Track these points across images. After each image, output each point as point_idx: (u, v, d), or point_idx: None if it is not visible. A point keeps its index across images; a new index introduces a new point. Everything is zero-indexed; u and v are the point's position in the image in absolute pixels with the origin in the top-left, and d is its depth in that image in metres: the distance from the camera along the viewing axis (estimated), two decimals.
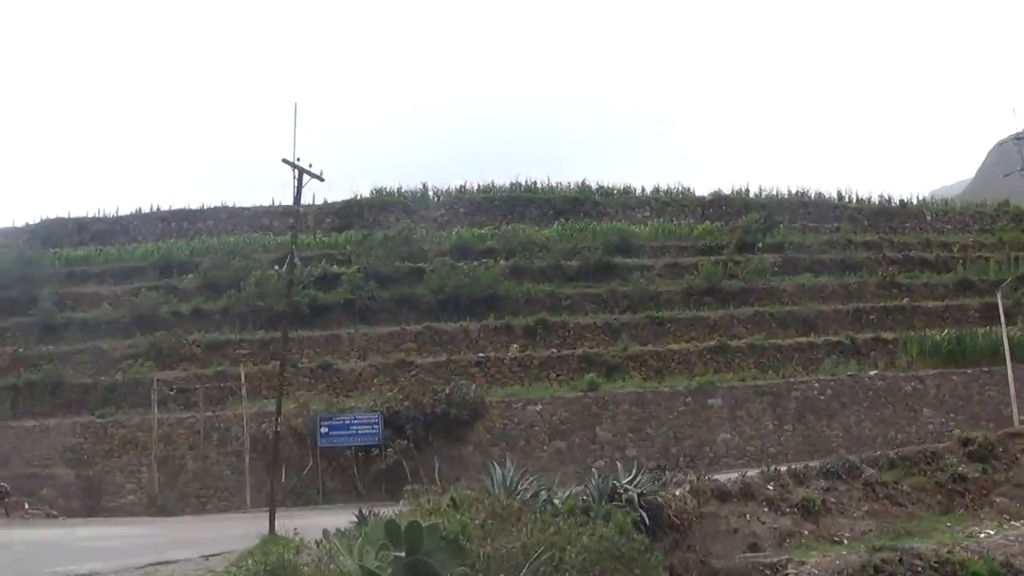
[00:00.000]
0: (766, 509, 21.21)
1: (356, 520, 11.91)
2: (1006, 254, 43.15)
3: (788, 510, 20.18)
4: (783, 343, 33.79)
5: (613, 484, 16.09)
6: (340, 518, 17.65)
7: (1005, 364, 31.91)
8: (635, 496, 16.03)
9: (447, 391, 26.77)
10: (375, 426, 25.84)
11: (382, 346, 30.47)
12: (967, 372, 32.78)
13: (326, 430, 25.26)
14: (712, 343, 32.83)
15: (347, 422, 25.79)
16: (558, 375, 30.62)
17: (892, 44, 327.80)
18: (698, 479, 19.14)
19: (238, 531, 15.55)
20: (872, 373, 31.85)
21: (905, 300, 37.47)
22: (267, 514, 15.33)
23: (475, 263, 33.54)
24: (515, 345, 30.93)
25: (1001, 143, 69.44)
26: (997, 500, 25.33)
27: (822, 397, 30.98)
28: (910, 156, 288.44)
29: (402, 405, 26.28)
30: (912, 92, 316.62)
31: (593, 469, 22.47)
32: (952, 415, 31.92)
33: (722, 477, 21.09)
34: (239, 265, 32.61)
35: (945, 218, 49.03)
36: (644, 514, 16.18)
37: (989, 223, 48.85)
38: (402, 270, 33.22)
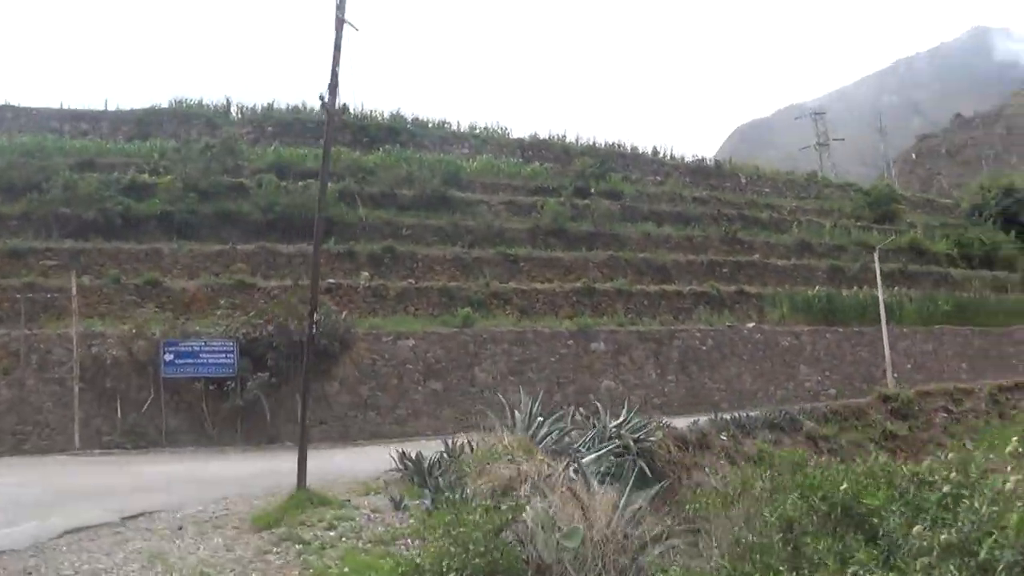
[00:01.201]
0: (723, 460, 22.31)
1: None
2: (834, 220, 51.30)
3: (743, 462, 21.41)
4: (649, 290, 35.63)
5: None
6: (206, 465, 18.36)
7: (873, 325, 35.78)
8: (631, 442, 16.22)
9: (318, 316, 24.78)
10: (229, 355, 23.61)
11: (211, 265, 28.32)
12: (839, 331, 37.24)
13: (171, 357, 23.00)
14: (578, 285, 33.55)
15: (196, 349, 23.16)
16: (417, 309, 30.18)
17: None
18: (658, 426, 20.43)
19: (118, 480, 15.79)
20: (750, 326, 34.34)
21: (756, 256, 42.11)
22: (107, 458, 15.76)
23: (300, 183, 32.20)
24: (365, 273, 29.96)
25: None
26: (927, 459, 28.29)
27: (703, 348, 32.90)
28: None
29: (263, 331, 24.00)
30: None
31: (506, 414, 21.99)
32: (828, 373, 35.32)
33: (677, 424, 22.54)
34: (37, 166, 32.27)
35: (759, 182, 55.81)
36: (644, 464, 16.46)
37: (802, 191, 58.04)
38: (224, 184, 33.21)
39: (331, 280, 29.16)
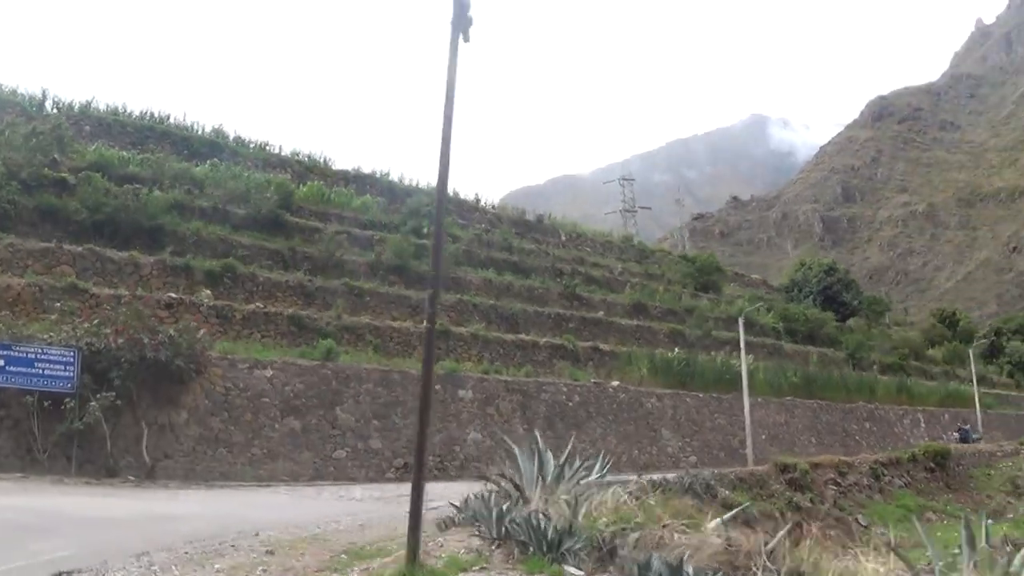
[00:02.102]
0: None
1: None
2: (663, 284, 55.99)
3: None
4: (506, 338, 36.03)
5: None
6: (55, 499, 16.97)
7: (728, 392, 38.07)
8: None
9: (172, 332, 23.57)
10: (69, 367, 21.89)
11: (32, 263, 26.36)
12: (699, 396, 39.69)
13: (2, 363, 20.63)
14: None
15: (31, 356, 21.28)
16: (264, 335, 28.73)
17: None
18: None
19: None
20: (615, 384, 35.08)
21: (600, 313, 42.53)
22: None
23: (128, 187, 31.55)
24: (207, 291, 28.50)
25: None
26: (832, 533, 30.03)
27: (570, 404, 33.73)
28: None
29: (110, 343, 22.41)
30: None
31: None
32: (688, 439, 36.93)
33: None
34: None
35: (578, 240, 58.31)
36: None
37: (619, 252, 62.11)
38: (49, 177, 32.18)
39: (171, 295, 27.48)
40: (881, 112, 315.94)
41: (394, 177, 52.80)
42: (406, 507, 17.28)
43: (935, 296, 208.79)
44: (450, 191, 53.21)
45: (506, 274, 43.90)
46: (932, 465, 39.21)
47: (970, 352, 63.13)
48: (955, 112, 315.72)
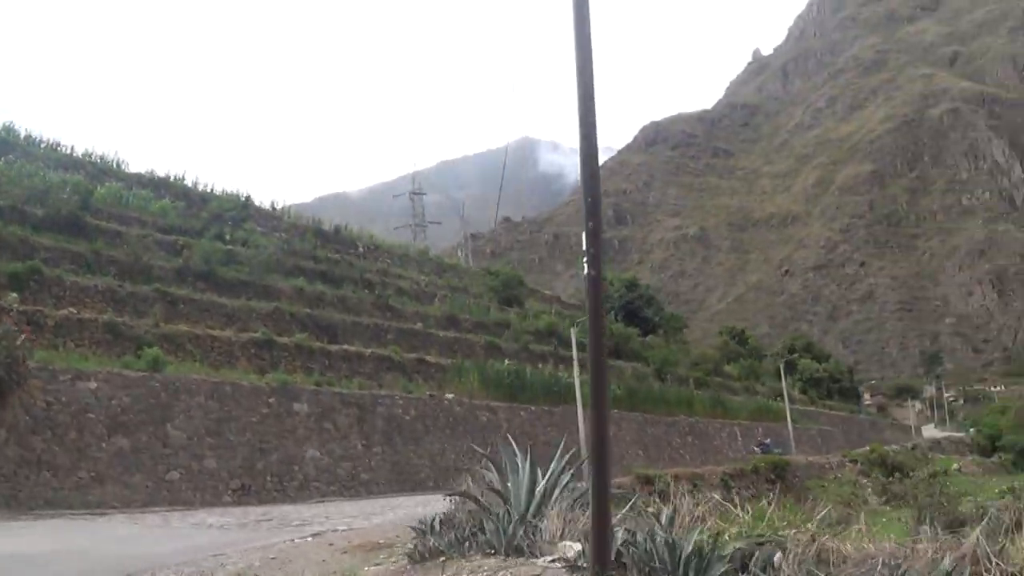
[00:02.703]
0: None
1: None
2: (470, 297, 56.68)
3: None
4: (330, 349, 35.64)
5: None
6: None
7: (559, 404, 38.29)
8: None
9: None
10: None
11: None
12: (532, 409, 40.19)
13: None
14: (257, 335, 32.32)
15: None
16: (77, 344, 27.08)
17: None
18: None
19: None
20: (449, 396, 34.79)
21: (418, 324, 43.65)
22: None
23: None
24: (13, 295, 26.50)
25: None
26: None
27: (407, 417, 33.41)
28: None
29: None
30: None
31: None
32: (524, 453, 35.92)
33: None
34: None
35: (376, 252, 59.01)
36: None
37: (417, 265, 61.85)
38: None
39: None
40: (655, 137, 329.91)
41: (188, 182, 51.47)
42: (282, 534, 16.38)
43: (707, 317, 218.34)
44: (242, 197, 52.06)
45: (317, 283, 42.96)
46: (772, 476, 40.95)
47: (780, 367, 66.24)
48: (729, 139, 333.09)
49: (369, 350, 37.53)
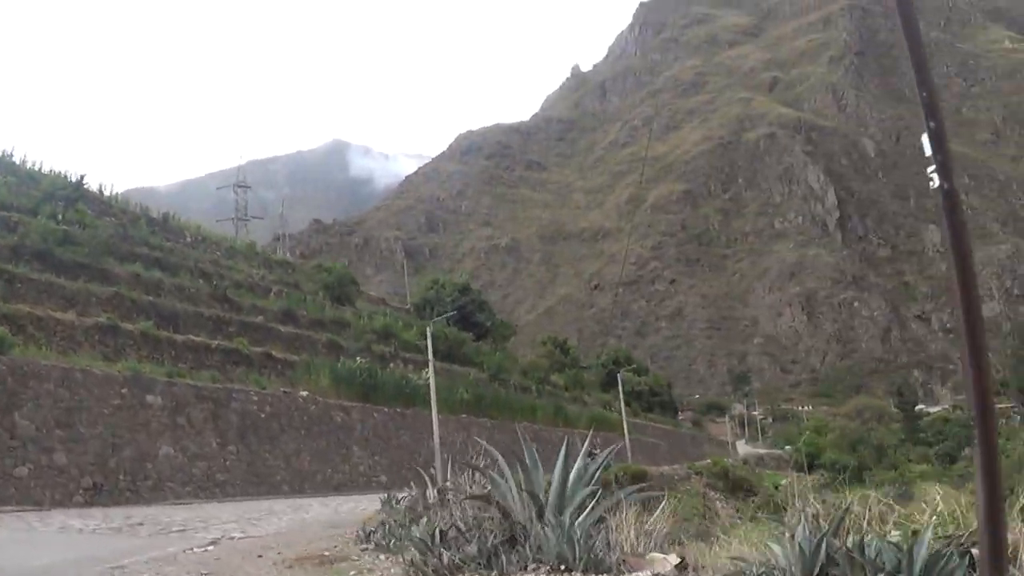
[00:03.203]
0: None
1: None
2: (303, 294, 55.33)
3: None
4: (176, 339, 34.42)
5: None
6: None
7: (410, 406, 37.78)
8: None
9: None
10: None
11: None
12: (385, 411, 39.77)
13: None
14: (101, 320, 30.99)
15: None
16: None
17: None
18: None
19: None
20: (304, 394, 33.90)
21: (260, 318, 43.42)
22: None
23: None
24: None
25: None
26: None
27: (262, 415, 32.56)
28: None
29: None
30: None
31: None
32: (377, 457, 36.14)
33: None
34: None
35: (204, 243, 57.76)
36: None
37: (244, 259, 60.48)
38: None
39: None
40: (469, 147, 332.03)
41: (16, 159, 48.94)
42: (173, 542, 14.73)
43: (516, 328, 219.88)
44: (72, 178, 49.75)
45: (154, 270, 41.29)
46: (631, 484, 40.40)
47: (619, 378, 66.96)
48: (544, 153, 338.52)
49: (216, 342, 36.21)
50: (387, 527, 12.41)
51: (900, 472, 68.56)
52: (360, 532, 13.47)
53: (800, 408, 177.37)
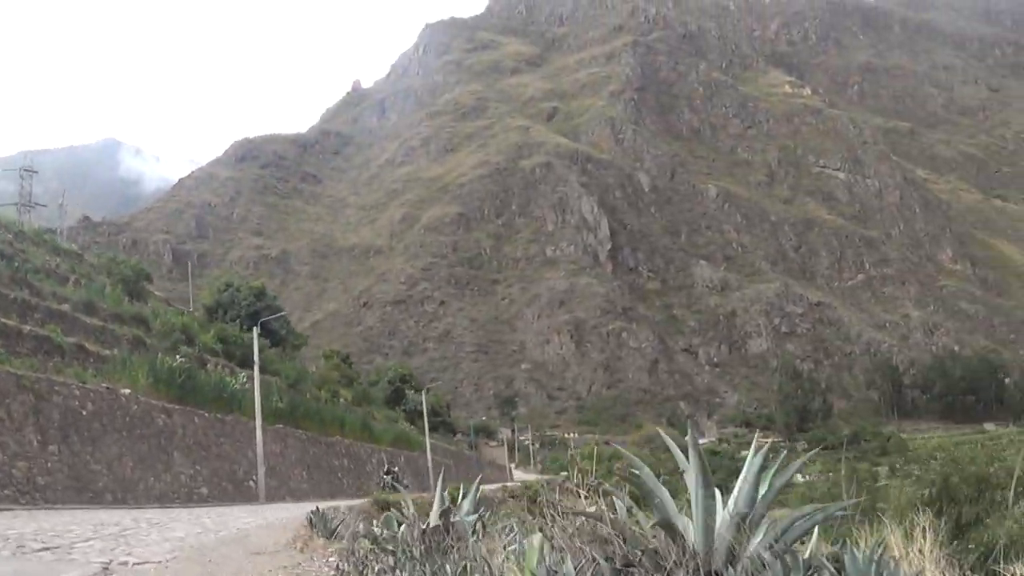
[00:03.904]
0: None
1: None
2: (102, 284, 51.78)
3: None
4: None
5: None
6: None
7: (229, 413, 35.90)
8: None
9: None
10: None
11: None
12: (205, 415, 36.45)
13: None
14: None
15: None
16: None
17: None
18: None
19: None
20: (126, 392, 31.39)
21: (66, 306, 41.08)
22: None
23: None
24: None
25: None
26: None
27: (84, 412, 29.76)
28: None
29: None
30: None
31: None
32: (199, 467, 33.93)
33: None
34: None
35: None
36: None
37: (32, 245, 55.86)
38: None
39: None
40: (245, 155, 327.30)
41: None
42: (50, 565, 11.10)
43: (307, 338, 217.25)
44: None
45: None
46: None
47: (423, 397, 66.15)
48: (319, 166, 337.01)
49: (27, 327, 33.11)
50: None
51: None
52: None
53: (567, 435, 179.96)
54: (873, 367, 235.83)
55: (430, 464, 58.84)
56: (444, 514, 8.94)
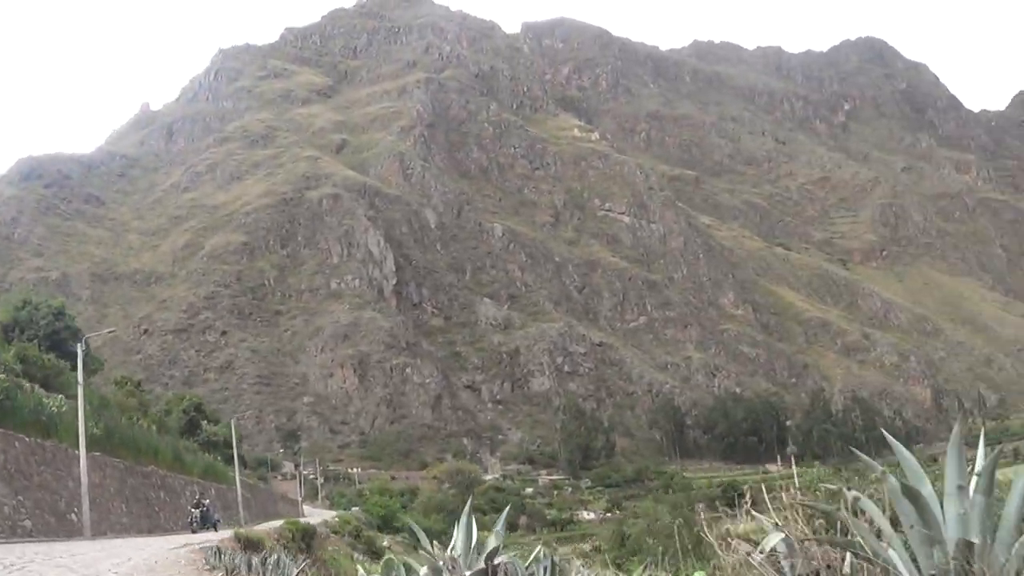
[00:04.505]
0: None
1: None
2: None
3: None
4: None
5: None
6: None
7: (47, 438, 36.40)
8: None
9: None
10: None
11: None
12: (25, 439, 35.02)
13: None
14: None
15: None
16: None
17: None
18: None
19: None
20: None
21: None
22: None
23: None
24: None
25: None
26: None
27: None
28: None
29: None
30: None
31: None
32: (20, 497, 32.68)
33: None
34: None
35: None
36: None
37: None
38: None
39: None
40: (29, 173, 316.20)
41: None
42: None
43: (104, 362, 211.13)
44: None
45: None
46: (303, 544, 38.59)
47: (231, 425, 67.25)
48: (103, 188, 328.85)
49: None
50: None
51: None
52: None
53: (350, 470, 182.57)
54: (655, 407, 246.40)
55: (239, 497, 60.32)
56: (489, 555, 7.74)
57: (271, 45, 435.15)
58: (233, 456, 76.23)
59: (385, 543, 53.84)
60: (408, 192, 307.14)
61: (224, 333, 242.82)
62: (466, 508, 8.19)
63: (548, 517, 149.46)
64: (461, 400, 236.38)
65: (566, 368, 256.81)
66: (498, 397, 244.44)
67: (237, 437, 78.10)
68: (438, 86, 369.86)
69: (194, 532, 44.02)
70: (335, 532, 50.24)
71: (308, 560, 25.85)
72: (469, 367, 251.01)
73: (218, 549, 17.00)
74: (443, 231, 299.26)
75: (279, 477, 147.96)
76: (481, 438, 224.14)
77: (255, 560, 16.02)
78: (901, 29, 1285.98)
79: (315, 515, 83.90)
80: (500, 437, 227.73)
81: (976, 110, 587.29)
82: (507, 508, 9.13)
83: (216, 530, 45.83)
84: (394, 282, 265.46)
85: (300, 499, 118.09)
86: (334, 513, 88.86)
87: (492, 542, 7.77)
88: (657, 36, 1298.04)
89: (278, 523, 48.00)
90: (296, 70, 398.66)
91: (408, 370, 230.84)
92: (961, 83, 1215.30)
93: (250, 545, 28.60)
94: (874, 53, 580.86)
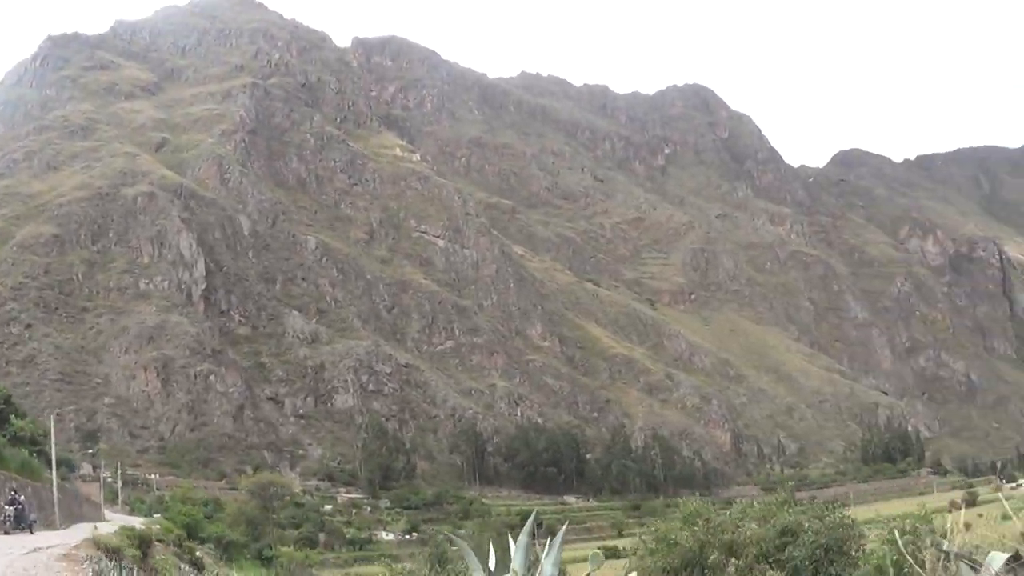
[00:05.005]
0: None
1: None
2: None
3: None
4: None
5: None
6: None
7: None
8: None
9: None
10: None
11: None
12: None
13: None
14: None
15: None
16: None
17: None
18: None
19: None
20: None
21: None
22: None
23: None
24: None
25: None
26: None
27: None
28: None
29: None
30: None
31: None
32: None
33: None
34: None
35: None
36: None
37: None
38: None
39: None
40: None
41: None
42: None
43: None
44: None
45: None
46: (138, 552, 36.15)
47: (51, 421, 71.75)
48: None
49: None
50: None
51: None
52: None
53: (149, 475, 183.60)
54: (457, 432, 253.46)
55: (55, 497, 61.22)
56: None
57: (100, 36, 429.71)
58: (42, 454, 76.91)
59: (199, 553, 57.15)
60: (224, 197, 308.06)
61: (29, 326, 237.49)
62: (526, 527, 7.66)
63: (347, 535, 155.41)
64: (263, 412, 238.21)
65: (371, 387, 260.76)
66: (301, 411, 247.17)
67: (48, 434, 78.54)
68: (264, 92, 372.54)
69: (7, 533, 43.50)
70: (159, 540, 48.12)
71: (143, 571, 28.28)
72: (273, 379, 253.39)
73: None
74: (256, 239, 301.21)
75: (78, 479, 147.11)
76: (282, 452, 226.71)
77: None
78: (729, 81, 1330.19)
79: (117, 520, 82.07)
80: (301, 452, 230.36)
81: (796, 165, 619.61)
82: (563, 528, 8.17)
83: (32, 532, 45.36)
84: (203, 287, 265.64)
85: (101, 503, 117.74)
86: (141, 519, 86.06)
87: (548, 569, 7.22)
88: (486, 64, 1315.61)
89: (110, 527, 48.68)
90: (123, 63, 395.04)
91: (212, 377, 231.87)
92: (783, 139, 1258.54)
93: (109, 552, 28.88)
94: (700, 100, 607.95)
